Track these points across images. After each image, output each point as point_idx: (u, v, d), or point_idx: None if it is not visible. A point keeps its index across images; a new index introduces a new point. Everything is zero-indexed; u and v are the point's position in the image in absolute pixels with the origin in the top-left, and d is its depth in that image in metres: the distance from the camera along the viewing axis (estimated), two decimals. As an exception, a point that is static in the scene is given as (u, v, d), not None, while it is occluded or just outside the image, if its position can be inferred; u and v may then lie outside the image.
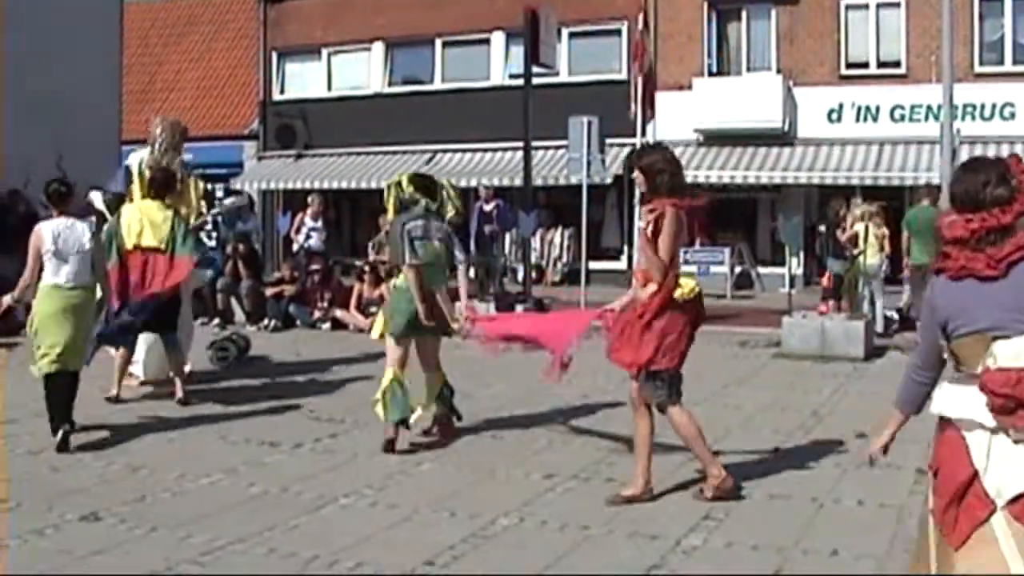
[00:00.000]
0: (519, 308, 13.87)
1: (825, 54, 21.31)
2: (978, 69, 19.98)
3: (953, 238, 3.25)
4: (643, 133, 18.90)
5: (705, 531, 5.21)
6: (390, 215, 7.29)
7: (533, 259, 19.74)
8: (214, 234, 16.57)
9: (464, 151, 23.76)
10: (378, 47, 25.63)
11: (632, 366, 5.68)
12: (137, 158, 9.23)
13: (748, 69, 22.14)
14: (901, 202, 18.15)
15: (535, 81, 16.00)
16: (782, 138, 21.21)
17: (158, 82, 29.55)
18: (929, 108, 19.49)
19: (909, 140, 20.17)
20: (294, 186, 24.71)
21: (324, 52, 26.31)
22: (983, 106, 19.67)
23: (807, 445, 7.10)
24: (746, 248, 21.92)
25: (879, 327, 13.00)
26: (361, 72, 25.92)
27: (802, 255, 18.94)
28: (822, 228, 14.69)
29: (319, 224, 15.61)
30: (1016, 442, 3.07)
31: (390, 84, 25.72)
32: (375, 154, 24.70)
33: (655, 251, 5.55)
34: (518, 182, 18.34)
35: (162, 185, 8.53)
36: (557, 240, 23.51)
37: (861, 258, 13.09)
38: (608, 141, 16.20)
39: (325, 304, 14.01)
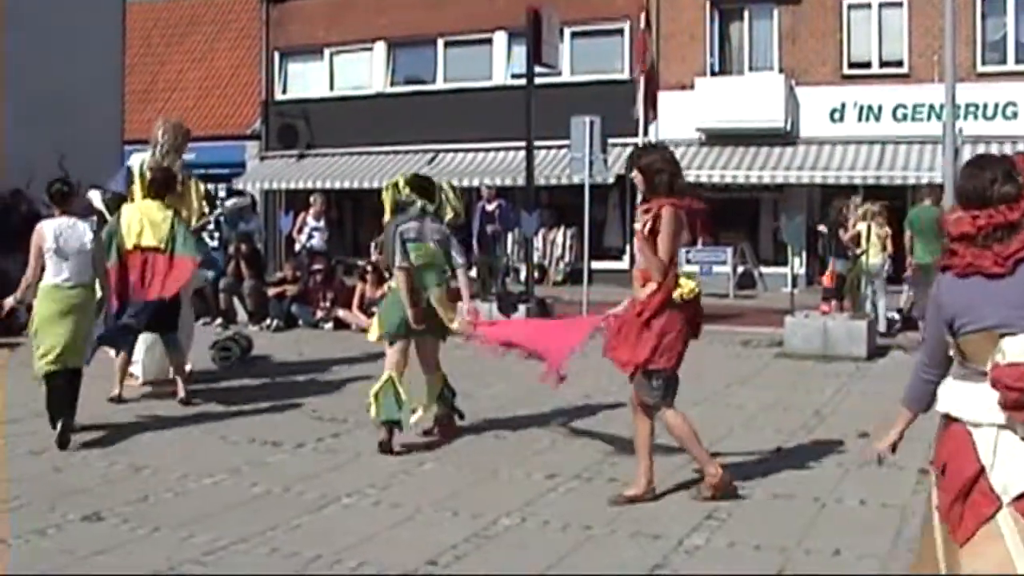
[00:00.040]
0: (521, 308, 13.86)
1: (827, 53, 21.31)
2: (980, 68, 19.98)
3: (960, 234, 3.25)
4: (645, 133, 18.90)
5: (708, 531, 5.21)
6: (387, 216, 7.28)
7: (535, 259, 19.73)
8: (216, 234, 16.58)
9: (466, 151, 23.78)
10: (380, 47, 25.64)
11: (628, 365, 5.68)
12: (139, 160, 9.24)
13: (750, 69, 22.14)
14: (903, 201, 18.13)
15: (537, 81, 15.99)
16: (784, 138, 21.21)
17: (160, 82, 29.57)
18: (931, 108, 19.50)
19: (911, 140, 20.17)
20: (296, 186, 24.72)
21: (326, 52, 26.33)
22: (985, 105, 19.67)
23: (809, 445, 7.09)
24: (748, 248, 21.93)
25: (882, 327, 12.99)
26: (363, 72, 25.93)
27: (804, 255, 18.93)
28: (821, 228, 14.68)
29: (321, 224, 15.61)
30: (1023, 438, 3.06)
31: (392, 84, 25.73)
32: (377, 154, 24.71)
33: (654, 251, 5.54)
34: (520, 182, 18.36)
35: (162, 185, 8.53)
36: (559, 240, 23.53)
37: (864, 258, 13.08)
38: (610, 141, 16.18)
39: (327, 304, 14.01)
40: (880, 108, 20.73)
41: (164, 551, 4.90)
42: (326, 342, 12.60)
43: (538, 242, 21.58)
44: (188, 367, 8.97)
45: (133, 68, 24.46)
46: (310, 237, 15.41)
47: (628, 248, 22.02)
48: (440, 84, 24.97)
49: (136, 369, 9.02)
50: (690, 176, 20.04)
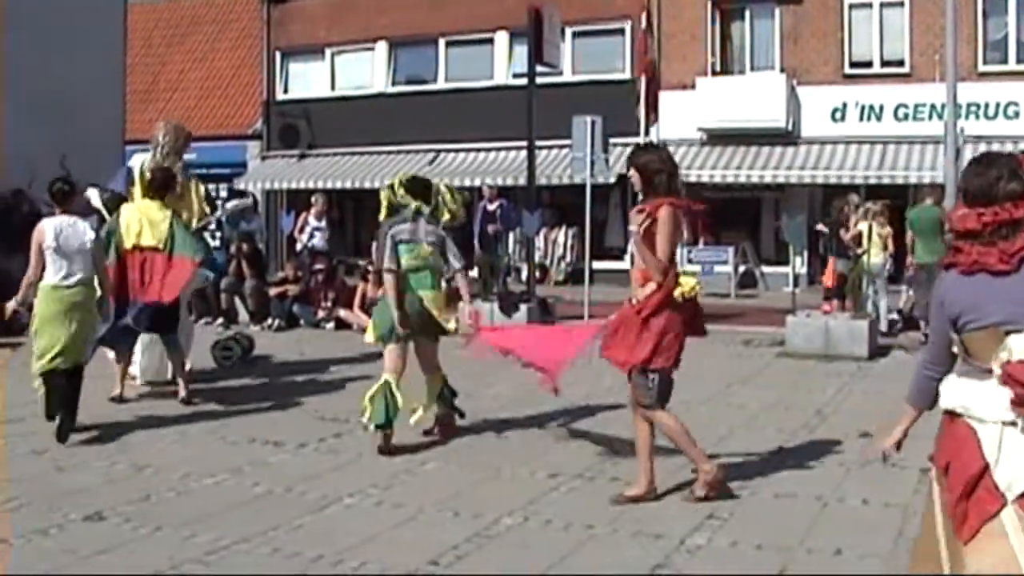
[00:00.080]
0: (523, 307, 13.85)
1: (829, 53, 21.31)
2: (982, 68, 19.97)
3: (965, 230, 3.25)
4: (647, 132, 18.89)
5: (709, 530, 5.20)
6: (382, 218, 7.27)
7: (537, 258, 19.73)
8: (218, 234, 16.58)
9: (468, 151, 23.79)
10: (381, 47, 25.65)
11: (625, 364, 5.67)
12: (139, 161, 9.23)
13: (752, 68, 22.14)
14: (905, 201, 18.10)
15: (539, 80, 15.98)
16: (786, 137, 21.21)
17: (161, 82, 29.59)
18: (933, 107, 19.50)
19: (913, 139, 20.17)
20: (298, 186, 24.73)
21: (327, 52, 26.34)
22: (987, 105, 19.66)
23: (811, 444, 7.08)
24: (750, 247, 21.93)
25: (883, 326, 12.99)
26: (364, 72, 25.94)
27: (806, 254, 18.91)
28: (820, 227, 14.67)
29: (323, 224, 15.60)
30: None
31: (393, 84, 25.75)
32: (378, 154, 24.72)
33: (652, 251, 5.54)
34: (522, 181, 18.35)
35: (161, 185, 8.52)
36: (561, 239, 23.53)
37: (865, 257, 13.08)
38: (612, 140, 16.17)
39: (329, 304, 14.01)
40: (881, 108, 20.73)
41: (166, 551, 4.90)
42: (327, 342, 12.60)
43: (539, 242, 21.57)
44: (187, 367, 8.96)
45: (134, 68, 24.46)
46: (311, 237, 15.41)
47: (630, 248, 22.01)
48: (441, 84, 24.98)
49: (135, 369, 9.02)
50: (691, 176, 20.11)
